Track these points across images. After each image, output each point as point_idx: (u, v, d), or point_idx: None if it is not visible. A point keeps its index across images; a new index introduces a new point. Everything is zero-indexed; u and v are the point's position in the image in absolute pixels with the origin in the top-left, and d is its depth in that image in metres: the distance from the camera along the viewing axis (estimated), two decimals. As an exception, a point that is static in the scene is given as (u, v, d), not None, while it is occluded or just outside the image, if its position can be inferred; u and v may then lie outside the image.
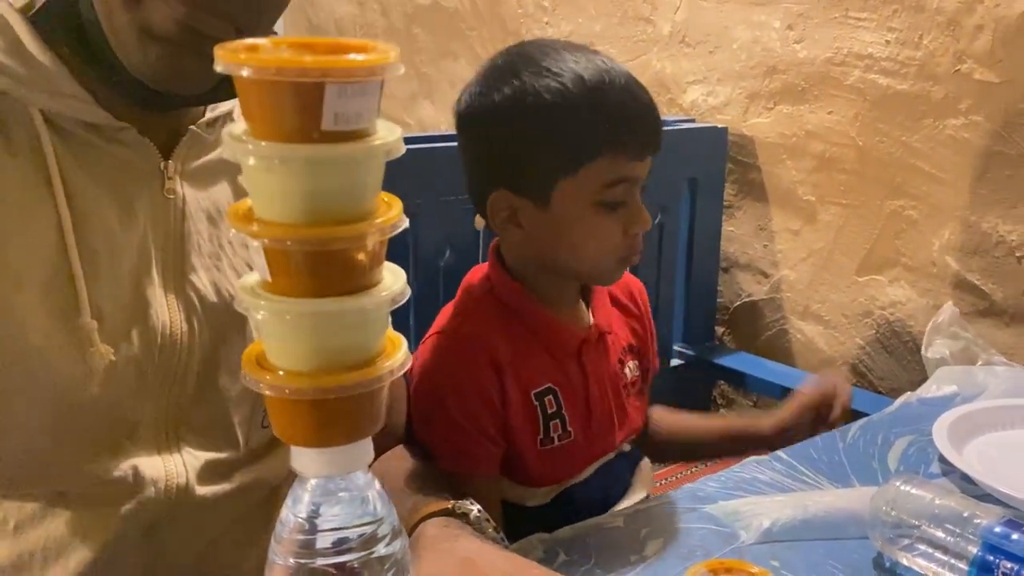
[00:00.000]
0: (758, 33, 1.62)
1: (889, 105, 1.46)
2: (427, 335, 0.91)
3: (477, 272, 0.96)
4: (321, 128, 0.33)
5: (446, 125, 2.37)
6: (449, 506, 0.70)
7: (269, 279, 0.37)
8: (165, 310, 0.67)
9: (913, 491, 0.73)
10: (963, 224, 1.41)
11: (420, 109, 2.45)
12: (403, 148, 0.36)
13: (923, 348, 1.28)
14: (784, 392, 1.57)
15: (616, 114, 0.82)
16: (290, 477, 0.80)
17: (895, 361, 1.54)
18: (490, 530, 0.69)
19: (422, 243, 1.32)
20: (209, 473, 0.71)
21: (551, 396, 0.89)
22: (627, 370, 0.98)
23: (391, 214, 0.37)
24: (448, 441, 0.85)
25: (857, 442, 0.99)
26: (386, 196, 0.38)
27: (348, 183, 0.35)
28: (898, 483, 0.74)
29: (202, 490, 0.70)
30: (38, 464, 0.64)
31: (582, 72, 0.82)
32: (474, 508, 0.70)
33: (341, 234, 0.35)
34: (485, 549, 0.66)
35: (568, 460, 0.92)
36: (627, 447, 1.00)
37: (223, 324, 0.70)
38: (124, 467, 0.66)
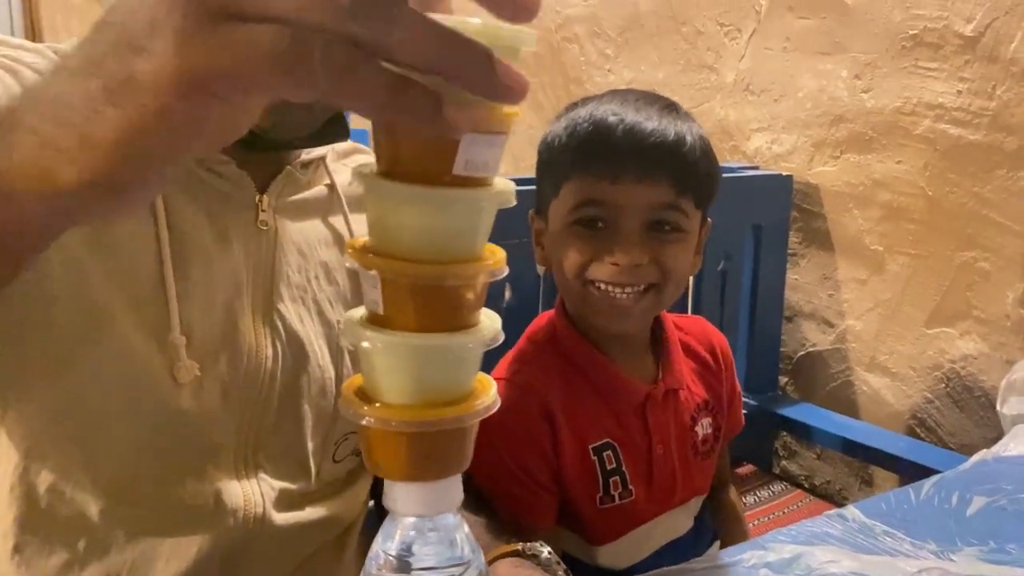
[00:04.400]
0: (824, 82, 1.62)
1: (960, 155, 1.44)
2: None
3: (542, 319, 0.96)
4: (452, 172, 0.34)
5: (505, 169, 2.39)
6: (519, 548, 0.70)
7: (381, 312, 0.38)
8: (252, 335, 0.69)
9: None
10: (1038, 277, 1.38)
11: (481, 153, 2.48)
12: (514, 200, 0.37)
13: (999, 404, 1.25)
14: (847, 445, 1.54)
15: (587, 136, 0.83)
16: (360, 519, 0.82)
17: (966, 417, 1.50)
18: (560, 572, 0.69)
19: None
20: (283, 504, 0.72)
21: (610, 452, 0.88)
22: (699, 428, 0.95)
23: (497, 258, 0.38)
24: (502, 488, 0.85)
25: (931, 499, 0.96)
26: (489, 245, 0.39)
27: (467, 226, 0.36)
28: None
29: (277, 520, 0.71)
30: (127, 482, 0.65)
31: (593, 109, 0.84)
32: (544, 550, 0.70)
33: (457, 272, 0.36)
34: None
35: (628, 521, 0.90)
36: (690, 514, 0.96)
37: (304, 353, 0.72)
38: (206, 491, 0.67)
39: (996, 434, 1.19)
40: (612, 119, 0.82)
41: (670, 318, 0.98)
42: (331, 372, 0.74)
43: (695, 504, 0.99)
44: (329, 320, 0.74)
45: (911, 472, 1.36)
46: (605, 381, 0.89)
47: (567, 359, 0.90)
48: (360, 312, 0.40)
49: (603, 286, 0.84)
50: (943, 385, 1.52)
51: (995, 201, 1.41)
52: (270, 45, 0.29)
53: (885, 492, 0.98)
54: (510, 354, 0.93)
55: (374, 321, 0.38)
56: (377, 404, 0.38)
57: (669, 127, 0.83)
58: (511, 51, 0.34)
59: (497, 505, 0.85)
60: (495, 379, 0.87)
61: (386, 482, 0.40)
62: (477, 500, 0.84)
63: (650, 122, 0.82)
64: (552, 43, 2.19)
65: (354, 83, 0.29)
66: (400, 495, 0.40)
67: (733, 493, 1.09)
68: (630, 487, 0.89)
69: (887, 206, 1.55)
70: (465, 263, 0.37)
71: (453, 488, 0.40)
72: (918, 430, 1.57)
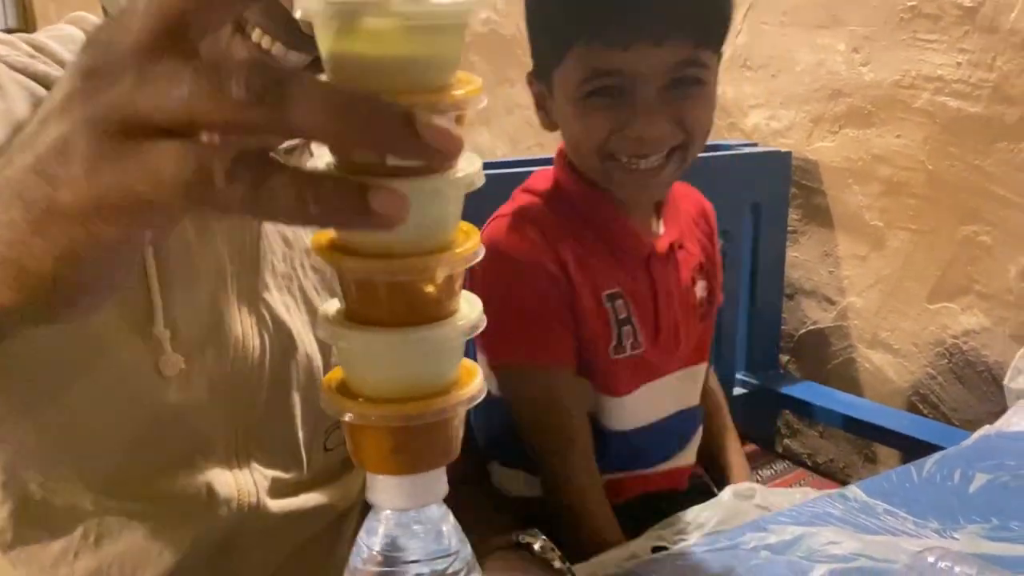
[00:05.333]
0: (822, 56, 1.60)
1: (961, 128, 1.42)
2: (490, 219, 0.87)
3: (540, 175, 0.91)
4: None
5: (502, 152, 2.38)
6: (514, 538, 0.69)
7: (350, 307, 0.37)
8: (238, 325, 0.68)
9: (941, 565, 0.67)
10: (1041, 250, 1.37)
11: (477, 135, 2.47)
12: (483, 179, 0.36)
13: (1007, 379, 1.23)
14: (850, 423, 1.53)
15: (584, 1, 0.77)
16: (354, 508, 0.81)
17: (969, 392, 1.49)
18: (556, 561, 0.68)
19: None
20: (277, 492, 0.72)
21: (621, 301, 0.86)
22: (697, 289, 0.94)
23: (470, 243, 0.37)
24: (518, 328, 0.81)
25: (933, 476, 0.95)
26: (464, 226, 0.38)
27: (435, 214, 0.35)
28: (930, 559, 0.69)
29: (272, 509, 0.71)
30: (118, 478, 0.65)
31: None
32: (539, 539, 0.69)
33: (429, 263, 0.35)
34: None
35: (640, 373, 0.89)
36: (696, 384, 0.95)
37: (292, 342, 0.71)
38: (198, 483, 0.67)
39: (999, 409, 1.18)
40: None
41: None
42: (319, 361, 0.73)
43: (699, 374, 0.98)
44: (316, 308, 0.74)
45: (915, 448, 1.35)
46: (614, 232, 0.86)
47: (574, 210, 0.86)
48: (335, 306, 0.39)
49: (625, 159, 0.80)
50: (945, 360, 1.51)
51: (996, 174, 1.39)
52: (173, 168, 0.28)
53: (887, 471, 0.97)
54: (508, 206, 0.89)
55: (349, 315, 0.37)
56: (358, 398, 0.37)
57: None
58: (459, 28, 0.33)
59: (509, 351, 0.82)
60: (499, 216, 0.86)
61: (368, 475, 0.39)
62: (474, 484, 0.83)
63: None
64: (547, 22, 2.17)
65: (264, 199, 0.28)
66: (383, 488, 0.39)
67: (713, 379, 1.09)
68: (640, 338, 0.87)
69: (887, 181, 1.54)
70: (435, 253, 0.35)
71: (437, 480, 0.39)
72: (921, 406, 1.56)
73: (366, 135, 0.28)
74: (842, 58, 1.56)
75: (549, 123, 0.87)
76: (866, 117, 1.55)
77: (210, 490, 0.68)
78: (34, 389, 0.62)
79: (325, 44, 0.33)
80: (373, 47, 0.32)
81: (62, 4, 4.29)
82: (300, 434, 0.72)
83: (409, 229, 0.35)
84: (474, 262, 0.37)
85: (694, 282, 0.93)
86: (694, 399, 0.98)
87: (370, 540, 0.40)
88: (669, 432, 0.94)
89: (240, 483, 0.69)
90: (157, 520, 0.67)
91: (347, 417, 0.37)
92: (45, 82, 0.64)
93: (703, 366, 0.99)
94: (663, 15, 0.76)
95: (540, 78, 0.86)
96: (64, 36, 0.67)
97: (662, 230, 0.90)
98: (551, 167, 0.91)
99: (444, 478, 0.40)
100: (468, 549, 0.41)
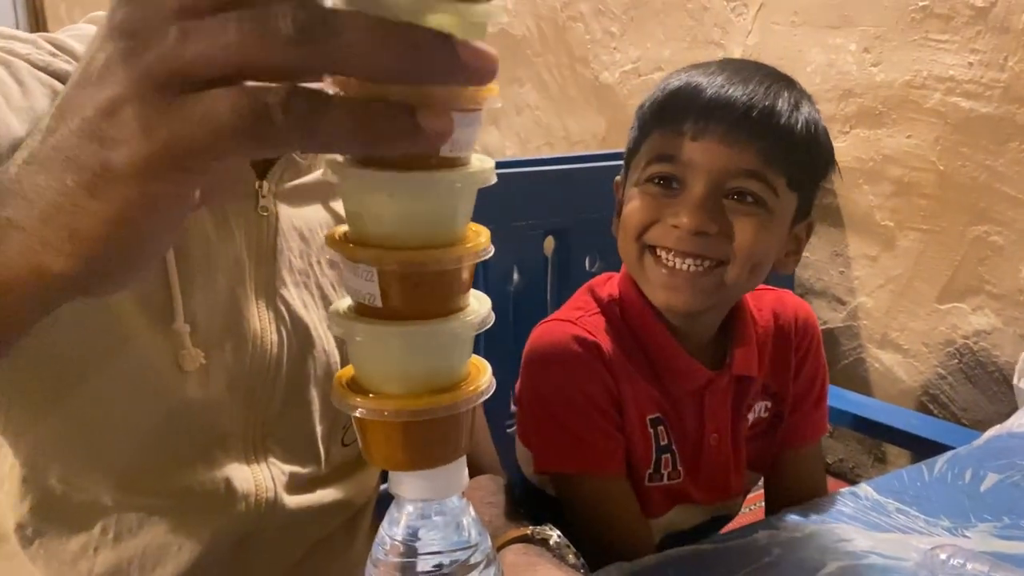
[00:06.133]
0: (833, 56, 1.60)
1: (972, 128, 1.42)
2: (540, 322, 0.86)
3: (603, 280, 0.90)
4: (440, 154, 0.34)
5: (512, 151, 2.38)
6: (528, 532, 0.70)
7: (366, 303, 0.37)
8: (256, 321, 0.68)
9: (953, 562, 0.67)
10: (1052, 250, 1.37)
11: (486, 135, 2.47)
12: (494, 178, 0.36)
13: (1016, 378, 1.24)
14: (860, 422, 1.53)
15: (676, 90, 0.78)
16: (370, 504, 0.82)
17: (979, 392, 1.49)
18: (570, 556, 0.68)
19: (492, 268, 1.33)
20: (294, 487, 0.72)
21: (663, 427, 0.84)
22: (754, 412, 0.89)
23: (480, 239, 0.38)
24: (568, 436, 0.79)
25: (944, 476, 0.95)
26: (473, 225, 0.39)
27: (450, 208, 0.36)
28: (943, 556, 0.69)
29: (289, 504, 0.71)
30: (136, 471, 0.66)
31: (690, 70, 0.80)
32: (553, 534, 0.70)
33: (440, 257, 0.36)
34: (564, 577, 0.65)
35: (673, 500, 0.86)
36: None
37: (310, 338, 0.72)
38: (216, 478, 0.68)
39: (1009, 409, 1.18)
40: (705, 79, 0.77)
41: (750, 298, 0.90)
42: (336, 356, 0.74)
43: (739, 505, 0.95)
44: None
45: (924, 449, 1.35)
46: (665, 358, 0.83)
47: (627, 325, 0.84)
48: (345, 302, 0.39)
49: (662, 253, 0.78)
50: (956, 361, 1.51)
51: (1008, 174, 1.39)
52: (230, 112, 0.29)
53: (898, 469, 0.97)
54: (571, 302, 0.89)
55: (360, 311, 0.38)
56: (369, 395, 0.38)
57: (770, 93, 0.76)
58: (479, 28, 0.33)
59: (555, 458, 0.81)
60: (554, 320, 0.85)
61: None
62: (493, 479, 0.83)
63: (748, 84, 0.76)
64: (557, 22, 2.17)
65: (321, 128, 0.29)
66: (403, 481, 0.40)
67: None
68: (679, 468, 0.85)
69: (898, 181, 1.54)
70: (448, 247, 0.36)
71: (457, 472, 0.40)
72: (931, 406, 1.56)
73: (415, 62, 0.29)
74: (853, 58, 1.57)
75: (619, 226, 0.85)
76: (877, 117, 1.55)
77: (228, 485, 0.68)
78: (58, 382, 0.62)
79: None
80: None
81: (72, 3, 4.30)
82: (318, 429, 0.73)
83: (424, 222, 0.35)
84: (485, 257, 0.37)
85: (749, 408, 0.88)
86: (737, 508, 0.95)
87: (392, 531, 0.41)
88: (702, 532, 0.90)
89: (258, 478, 0.70)
90: (176, 516, 0.67)
91: (358, 412, 0.38)
92: (66, 80, 0.65)
93: (739, 500, 0.94)
94: (740, 117, 0.75)
95: (624, 180, 0.86)
96: (84, 35, 0.68)
97: (730, 359, 0.85)
98: (612, 274, 0.89)
99: (465, 471, 0.41)
100: (488, 542, 0.42)
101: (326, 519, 0.75)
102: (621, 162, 0.90)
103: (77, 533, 0.66)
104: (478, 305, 0.39)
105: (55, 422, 0.63)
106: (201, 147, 0.29)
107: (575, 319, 0.85)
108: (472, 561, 0.41)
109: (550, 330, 0.84)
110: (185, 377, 0.65)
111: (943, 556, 0.67)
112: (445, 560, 0.40)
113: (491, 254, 0.38)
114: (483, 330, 0.39)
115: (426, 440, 0.38)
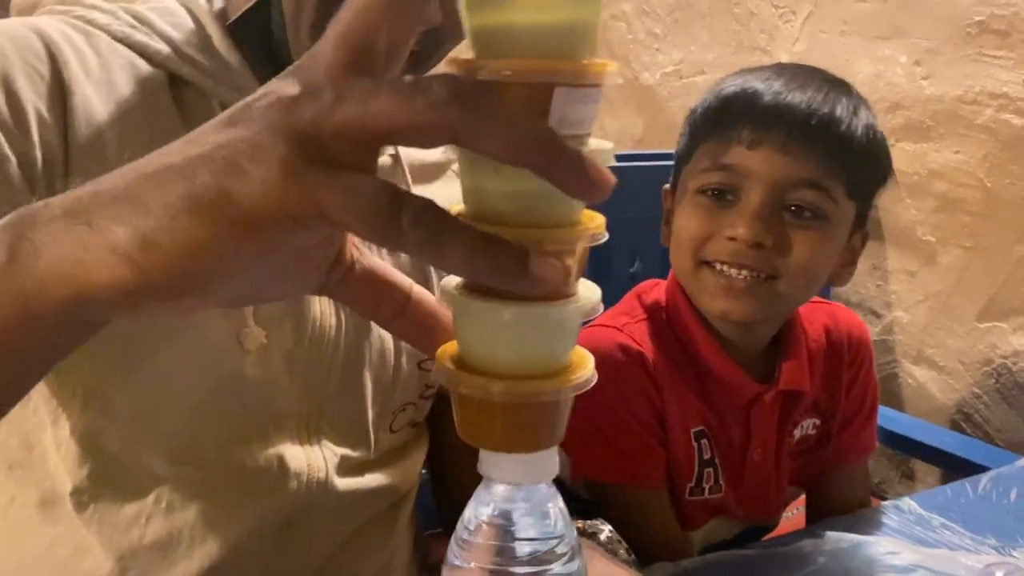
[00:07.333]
0: (882, 67, 1.59)
1: (1023, 146, 1.40)
2: (585, 326, 0.85)
3: (650, 286, 0.89)
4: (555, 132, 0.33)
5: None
6: (580, 526, 0.69)
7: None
8: (317, 303, 0.68)
9: None
10: (1099, 274, 1.35)
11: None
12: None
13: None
14: (891, 437, 1.52)
15: (732, 96, 0.77)
16: (412, 491, 0.81)
17: (1016, 413, 1.47)
18: (621, 551, 0.68)
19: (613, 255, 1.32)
20: (345, 470, 0.72)
21: (706, 440, 0.82)
22: (798, 430, 0.88)
23: (596, 222, 0.37)
24: (609, 445, 0.79)
25: (989, 494, 0.94)
26: (588, 211, 0.38)
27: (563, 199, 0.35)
28: (998, 574, 0.68)
29: (339, 486, 0.71)
30: (192, 445, 0.66)
31: (745, 75, 0.79)
32: (605, 528, 0.69)
33: (556, 237, 0.35)
34: (615, 572, 0.64)
35: (713, 513, 0.86)
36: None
37: (366, 323, 0.71)
38: (270, 455, 0.67)
39: (1049, 432, 1.17)
40: (762, 84, 0.76)
41: (802, 311, 0.88)
42: (391, 343, 0.73)
43: (776, 523, 0.95)
44: None
45: (955, 467, 1.34)
46: (712, 370, 0.82)
47: (674, 335, 0.82)
48: (454, 280, 0.39)
49: (718, 266, 0.76)
50: (993, 380, 1.50)
51: (1057, 195, 1.38)
52: (368, 199, 0.29)
53: (938, 486, 0.96)
54: (618, 306, 0.88)
55: (471, 287, 0.37)
56: (474, 373, 0.38)
57: (828, 99, 0.75)
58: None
59: (595, 468, 0.80)
60: (599, 325, 0.83)
61: (481, 450, 0.39)
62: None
63: (806, 91, 0.75)
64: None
65: (440, 248, 0.29)
66: (496, 463, 0.39)
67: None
68: (720, 482, 0.84)
69: (942, 197, 1.52)
70: (563, 227, 0.35)
71: (550, 459, 0.39)
72: (964, 425, 1.54)
73: (540, 155, 0.30)
74: (903, 70, 1.55)
75: (667, 235, 0.84)
76: (924, 131, 1.53)
77: (281, 463, 0.68)
78: (130, 349, 0.62)
79: (478, 18, 0.34)
80: (532, 14, 0.32)
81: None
82: (369, 414, 0.73)
83: (544, 200, 0.35)
84: (602, 241, 0.37)
85: (796, 424, 0.86)
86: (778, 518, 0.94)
87: (480, 511, 0.40)
88: (738, 543, 0.88)
89: (311, 458, 0.70)
90: (228, 491, 0.67)
91: (463, 390, 0.37)
92: (144, 53, 0.65)
93: (779, 514, 0.93)
94: (799, 125, 0.73)
95: (673, 188, 0.84)
96: (163, 8, 0.68)
97: (778, 373, 0.83)
98: (659, 281, 0.87)
99: (556, 458, 0.40)
100: (573, 533, 0.41)
101: (373, 503, 0.75)
102: (661, 163, 0.89)
103: (132, 501, 0.66)
104: (588, 293, 0.39)
105: (124, 387, 0.63)
106: (327, 214, 0.29)
107: (621, 325, 0.84)
108: (559, 551, 0.40)
109: (596, 336, 0.83)
110: (245, 355, 0.65)
111: (999, 574, 0.67)
112: (532, 548, 0.39)
113: (605, 239, 0.38)
114: (595, 316, 0.39)
115: (527, 424, 0.38)
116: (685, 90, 1.98)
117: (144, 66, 0.65)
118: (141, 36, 0.65)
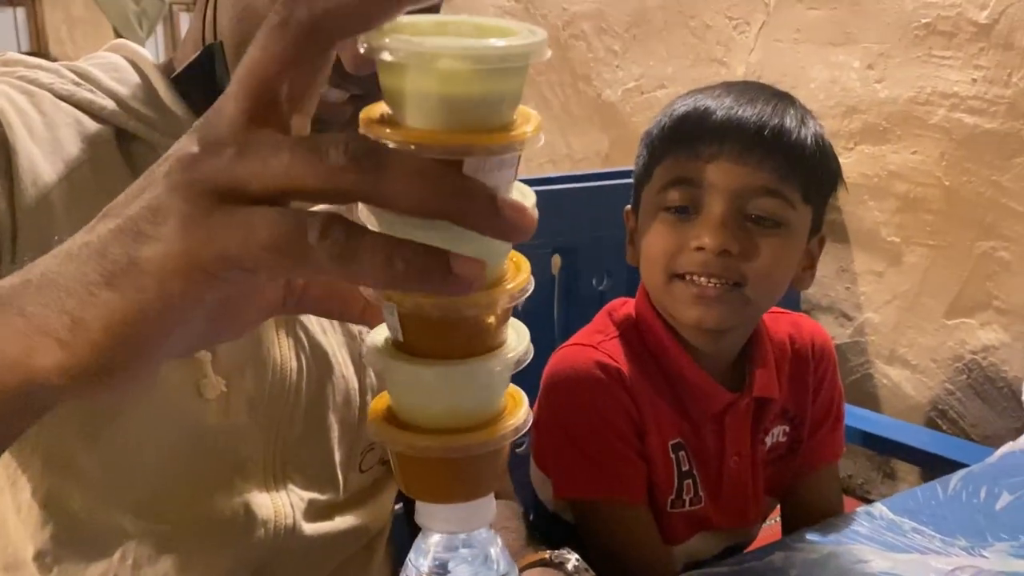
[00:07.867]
0: (837, 73, 1.61)
1: (977, 144, 1.42)
2: (560, 347, 0.86)
3: (620, 303, 0.90)
4: None
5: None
6: (546, 556, 0.69)
7: (401, 339, 0.37)
8: (277, 348, 0.68)
9: None
10: (1060, 265, 1.37)
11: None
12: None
13: (1023, 394, 1.24)
14: (869, 439, 1.53)
15: (685, 115, 0.79)
16: (386, 529, 0.81)
17: (988, 407, 1.49)
18: (588, 580, 0.68)
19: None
20: (313, 515, 0.72)
21: (684, 453, 0.84)
22: (769, 437, 0.89)
23: (520, 278, 0.37)
24: (590, 462, 0.80)
25: (959, 494, 0.94)
26: (515, 257, 0.38)
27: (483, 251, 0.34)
28: None
29: (307, 531, 0.70)
30: (158, 499, 0.65)
31: (696, 95, 0.81)
32: (572, 557, 0.69)
33: (477, 300, 0.35)
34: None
35: (695, 526, 0.86)
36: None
37: (329, 364, 0.71)
38: (236, 504, 0.67)
39: (1019, 423, 1.18)
40: (713, 101, 0.79)
41: (767, 320, 0.91)
42: (355, 383, 0.73)
43: (757, 530, 0.95)
44: (351, 330, 0.74)
45: (934, 464, 1.35)
46: (686, 380, 0.83)
47: (647, 349, 0.84)
48: (382, 336, 0.39)
49: (688, 277, 0.78)
50: (964, 376, 1.51)
51: (1014, 190, 1.39)
52: (268, 226, 0.29)
53: (911, 488, 0.97)
54: (590, 326, 0.89)
55: (398, 346, 0.37)
56: (406, 430, 0.38)
57: (777, 111, 0.78)
58: (524, 68, 0.33)
59: (572, 485, 0.81)
60: (574, 344, 0.84)
61: (417, 502, 0.39)
62: (514, 510, 0.82)
63: (756, 104, 0.78)
64: (559, 40, 2.18)
65: (354, 257, 0.29)
66: (432, 513, 0.39)
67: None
68: (700, 493, 0.85)
69: (903, 197, 1.54)
70: (486, 289, 0.35)
71: (486, 504, 0.40)
72: (939, 422, 1.55)
73: (455, 208, 0.29)
74: (857, 75, 1.57)
75: (633, 254, 0.86)
76: (881, 134, 1.55)
77: (248, 512, 0.68)
78: (91, 415, 0.62)
79: (392, 81, 0.33)
80: (445, 87, 0.32)
81: (73, 26, 4.33)
82: (336, 455, 0.73)
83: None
84: (527, 295, 0.37)
85: (767, 432, 0.88)
86: (756, 533, 0.95)
87: (419, 562, 0.40)
88: (720, 557, 0.89)
89: (277, 505, 0.69)
90: (195, 543, 0.67)
91: (394, 448, 0.37)
92: (89, 109, 0.65)
93: (758, 527, 0.94)
94: (753, 136, 0.76)
95: (634, 210, 0.87)
96: (107, 64, 0.68)
97: (750, 380, 0.85)
98: (627, 299, 0.90)
99: (493, 502, 0.40)
100: (515, 572, 0.42)
101: (343, 546, 0.75)
102: (628, 180, 0.90)
103: (97, 560, 0.65)
104: (516, 340, 0.38)
105: (85, 452, 0.63)
106: (232, 255, 0.29)
107: (596, 343, 0.85)
108: (503, 591, 0.40)
109: (572, 355, 0.84)
110: (206, 404, 0.65)
111: (964, 578, 0.67)
112: (474, 592, 0.40)
113: (530, 292, 0.37)
114: (522, 367, 0.38)
115: (464, 475, 0.38)
116: (647, 105, 1.99)
117: (90, 123, 0.65)
118: (86, 93, 0.65)
